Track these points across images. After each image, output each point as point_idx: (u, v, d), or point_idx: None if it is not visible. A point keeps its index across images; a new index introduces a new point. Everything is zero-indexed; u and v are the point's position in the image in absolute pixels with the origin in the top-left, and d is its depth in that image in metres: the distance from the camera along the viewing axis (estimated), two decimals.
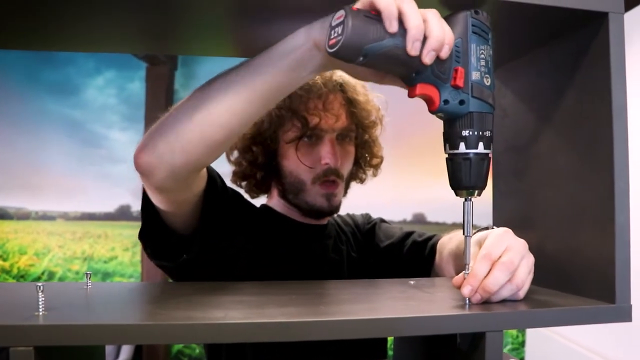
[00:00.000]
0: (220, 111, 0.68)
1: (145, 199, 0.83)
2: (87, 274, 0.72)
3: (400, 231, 1.12)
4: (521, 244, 0.67)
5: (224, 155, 1.07)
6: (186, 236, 0.86)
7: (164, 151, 0.71)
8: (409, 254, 1.06)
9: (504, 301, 0.65)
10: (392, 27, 0.56)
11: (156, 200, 0.81)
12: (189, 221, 0.85)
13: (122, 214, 2.92)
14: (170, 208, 0.82)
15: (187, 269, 0.89)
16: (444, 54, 0.58)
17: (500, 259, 0.64)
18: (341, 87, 1.02)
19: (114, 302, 0.66)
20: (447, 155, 0.64)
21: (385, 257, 1.08)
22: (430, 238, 1.06)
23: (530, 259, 0.67)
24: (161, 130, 0.72)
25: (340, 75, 1.03)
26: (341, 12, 0.56)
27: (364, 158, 1.12)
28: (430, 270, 1.02)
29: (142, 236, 0.86)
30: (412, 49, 0.56)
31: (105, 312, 0.61)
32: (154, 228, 0.85)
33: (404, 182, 2.97)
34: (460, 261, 0.87)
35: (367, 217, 1.21)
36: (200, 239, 0.85)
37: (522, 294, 0.66)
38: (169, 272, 0.93)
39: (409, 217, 3.07)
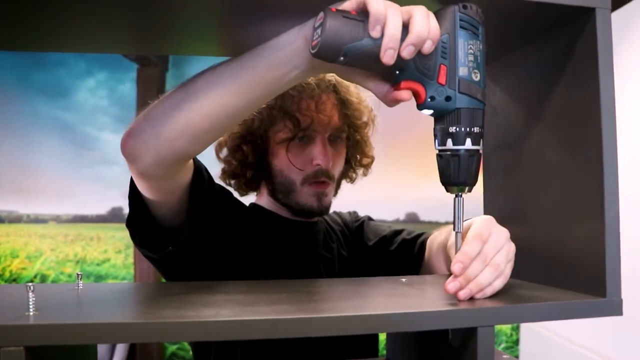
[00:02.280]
0: (207, 101, 0.68)
1: (133, 187, 0.83)
2: (78, 274, 0.72)
3: (389, 229, 1.12)
4: (504, 231, 0.68)
5: (214, 157, 1.07)
6: (173, 228, 0.86)
7: (149, 137, 0.71)
8: (398, 252, 1.06)
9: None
10: (376, 31, 0.57)
11: (142, 187, 0.81)
12: (175, 213, 0.85)
13: (114, 216, 2.91)
14: (155, 197, 0.82)
15: (173, 262, 0.89)
16: (427, 49, 0.59)
17: (487, 243, 0.65)
18: (334, 88, 1.02)
19: (104, 301, 0.66)
20: (437, 152, 0.64)
21: (374, 256, 1.08)
22: (419, 235, 1.06)
23: (511, 247, 0.68)
24: (149, 117, 0.72)
25: (333, 75, 1.02)
26: (321, 14, 0.58)
27: (355, 158, 1.13)
28: (419, 267, 1.02)
29: (129, 224, 0.86)
30: (385, 56, 0.57)
31: (96, 311, 0.60)
32: (140, 217, 0.85)
33: (397, 182, 2.97)
34: (448, 250, 0.87)
35: (354, 215, 1.21)
36: (186, 232, 0.85)
37: (500, 282, 0.65)
38: (155, 264, 0.93)
39: (401, 217, 3.08)
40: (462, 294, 0.62)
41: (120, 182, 2.82)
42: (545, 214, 0.75)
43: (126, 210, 0.86)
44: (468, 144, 0.62)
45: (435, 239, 0.98)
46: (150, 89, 2.95)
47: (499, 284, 0.65)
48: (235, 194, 1.07)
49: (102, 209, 2.92)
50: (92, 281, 2.89)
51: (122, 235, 2.88)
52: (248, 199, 1.11)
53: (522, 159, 0.80)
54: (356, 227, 1.15)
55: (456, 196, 0.65)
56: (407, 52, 0.58)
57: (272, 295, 0.65)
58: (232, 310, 0.57)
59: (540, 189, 0.76)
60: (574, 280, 0.69)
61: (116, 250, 2.94)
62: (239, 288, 0.71)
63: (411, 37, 0.57)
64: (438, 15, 0.61)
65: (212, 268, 0.92)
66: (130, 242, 0.87)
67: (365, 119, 1.08)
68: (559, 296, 0.66)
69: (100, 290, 0.75)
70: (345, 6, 0.59)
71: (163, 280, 0.98)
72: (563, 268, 0.71)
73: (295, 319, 0.54)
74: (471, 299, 0.63)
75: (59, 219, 2.95)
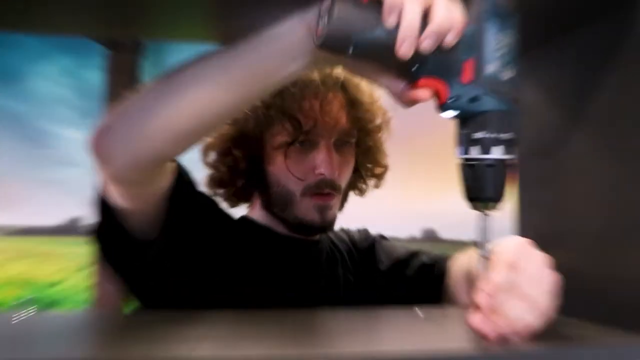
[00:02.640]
0: (192, 97, 0.68)
1: (101, 192, 0.83)
2: (24, 301, 0.72)
3: (405, 250, 1.12)
4: (543, 257, 0.67)
5: (198, 159, 1.07)
6: (146, 242, 0.86)
7: (124, 136, 0.72)
8: (415, 278, 1.06)
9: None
10: (391, 20, 0.57)
11: (112, 193, 0.81)
12: (150, 225, 0.85)
13: (72, 228, 2.91)
14: (128, 204, 0.82)
15: (144, 282, 0.89)
16: (449, 42, 0.59)
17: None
18: (342, 86, 1.03)
19: (56, 334, 0.65)
20: (459, 161, 0.64)
21: (387, 281, 1.08)
22: (441, 258, 1.06)
23: (552, 277, 0.66)
24: (125, 113, 0.73)
25: (341, 71, 1.03)
26: (328, 1, 0.58)
27: (365, 167, 1.13)
28: (440, 297, 1.01)
29: (94, 235, 0.87)
30: (401, 48, 0.57)
31: (44, 346, 0.59)
32: (108, 227, 0.85)
33: (412, 192, 2.97)
34: (472, 278, 0.87)
35: (364, 232, 1.21)
36: (159, 244, 0.85)
37: (536, 318, 0.63)
38: (124, 283, 0.93)
39: (417, 234, 3.08)
40: (489, 330, 0.61)
41: (81, 187, 2.84)
42: (590, 236, 0.75)
43: (87, 221, 0.86)
44: (496, 153, 0.62)
45: (459, 264, 0.97)
46: (122, 78, 2.96)
47: (535, 322, 0.64)
48: (224, 204, 1.07)
49: (58, 219, 2.92)
50: (43, 308, 2.88)
51: (82, 251, 2.88)
52: (238, 212, 1.11)
53: (562, 168, 0.79)
54: (366, 248, 1.15)
55: (481, 214, 0.65)
56: (427, 45, 0.58)
57: (261, 328, 0.65)
58: (212, 347, 0.57)
59: (584, 205, 0.76)
60: (627, 318, 0.68)
61: (74, 269, 2.94)
62: (221, 320, 0.71)
63: (432, 27, 0.58)
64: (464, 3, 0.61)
65: (191, 291, 0.92)
66: (91, 260, 0.87)
67: (378, 122, 1.08)
68: (613, 339, 0.65)
69: (51, 320, 0.74)
70: None
71: (132, 306, 0.98)
72: (612, 303, 0.70)
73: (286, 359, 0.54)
74: (503, 339, 0.62)
75: (3, 230, 2.94)
